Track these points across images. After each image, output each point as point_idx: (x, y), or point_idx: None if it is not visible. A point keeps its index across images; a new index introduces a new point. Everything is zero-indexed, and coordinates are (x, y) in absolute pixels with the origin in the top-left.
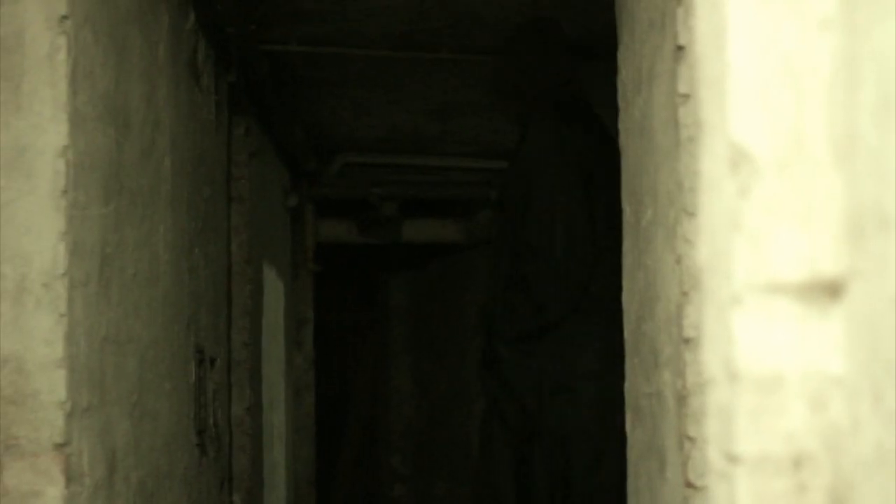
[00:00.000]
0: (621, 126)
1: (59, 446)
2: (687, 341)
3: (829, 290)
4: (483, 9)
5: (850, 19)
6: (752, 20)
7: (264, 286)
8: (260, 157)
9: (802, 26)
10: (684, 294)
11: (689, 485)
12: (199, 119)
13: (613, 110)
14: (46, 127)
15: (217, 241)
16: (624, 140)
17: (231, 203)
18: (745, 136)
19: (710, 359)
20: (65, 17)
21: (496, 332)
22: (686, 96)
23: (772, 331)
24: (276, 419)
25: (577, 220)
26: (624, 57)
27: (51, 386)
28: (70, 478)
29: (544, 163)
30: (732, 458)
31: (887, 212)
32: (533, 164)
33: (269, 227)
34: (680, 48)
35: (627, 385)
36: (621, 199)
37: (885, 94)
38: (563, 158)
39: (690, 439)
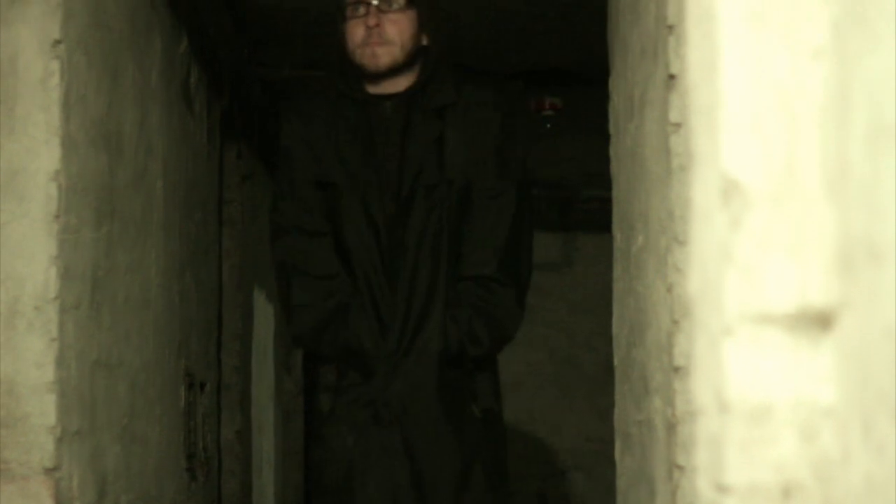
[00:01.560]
0: (613, 153)
1: (50, 470)
2: (677, 370)
3: (820, 322)
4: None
5: (843, 49)
6: (744, 50)
7: (255, 310)
8: (252, 180)
9: (795, 56)
10: (675, 322)
11: None
12: (192, 143)
13: (605, 137)
14: (39, 151)
15: (208, 264)
16: (615, 167)
17: (222, 227)
18: (737, 167)
19: (700, 388)
20: (58, 42)
21: None
22: (678, 125)
23: (762, 361)
24: (266, 444)
25: None
26: (616, 84)
27: (41, 409)
28: (60, 502)
29: None
30: (722, 488)
31: (878, 243)
32: None
33: (261, 250)
34: (672, 77)
35: (617, 412)
36: (612, 225)
37: (877, 124)
38: None
39: (680, 468)
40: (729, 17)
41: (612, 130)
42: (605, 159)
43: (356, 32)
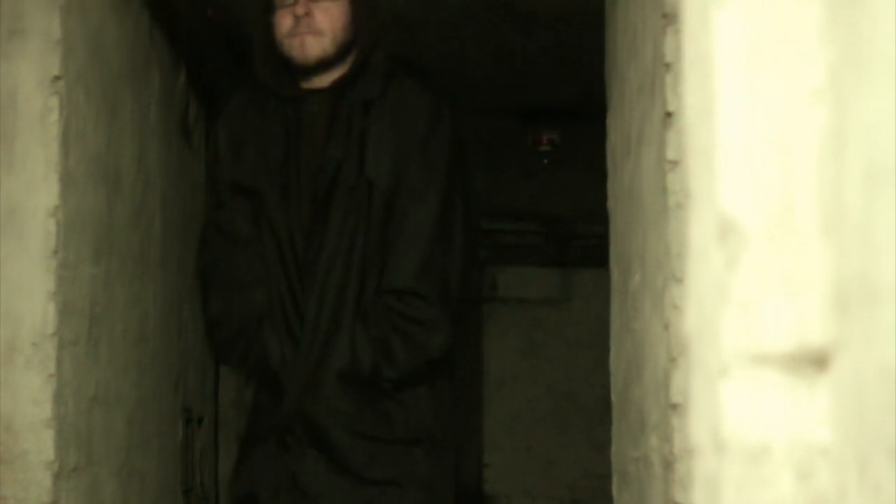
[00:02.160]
0: (610, 190)
1: None
2: (674, 407)
3: (817, 361)
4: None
5: (840, 91)
6: (741, 90)
7: None
8: None
9: (792, 97)
10: (672, 360)
11: None
12: (190, 178)
13: (602, 173)
14: (38, 187)
15: None
16: (612, 204)
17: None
18: (734, 206)
19: (697, 426)
20: (57, 78)
21: None
22: (675, 163)
23: (759, 401)
24: None
25: None
26: (613, 121)
27: (39, 446)
28: None
29: None
30: None
31: (874, 284)
32: None
33: None
34: (669, 114)
35: (614, 449)
36: (609, 262)
37: (873, 166)
38: None
39: None
40: (726, 57)
41: (609, 167)
42: (602, 195)
43: (284, 22)
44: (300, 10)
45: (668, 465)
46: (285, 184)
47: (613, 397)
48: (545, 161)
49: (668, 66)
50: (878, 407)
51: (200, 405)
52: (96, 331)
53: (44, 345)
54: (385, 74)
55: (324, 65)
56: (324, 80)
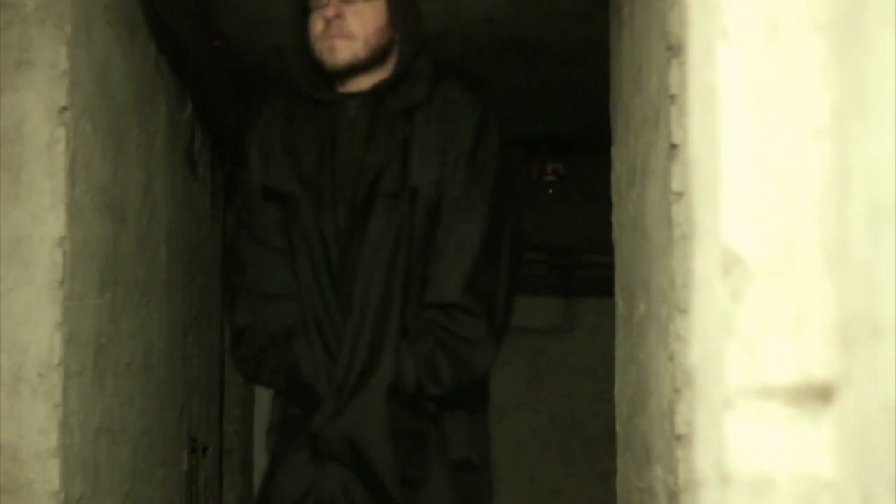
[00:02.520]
0: (615, 220)
1: None
2: (679, 438)
3: (821, 395)
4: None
5: (843, 131)
6: (745, 124)
7: None
8: None
9: (795, 136)
10: (677, 391)
11: None
12: (195, 208)
13: (607, 202)
14: (44, 217)
15: (211, 328)
16: (617, 235)
17: (225, 290)
18: (738, 241)
19: (702, 458)
20: (64, 109)
21: None
22: (679, 194)
23: (763, 434)
24: None
25: None
26: (618, 152)
27: (45, 476)
28: None
29: None
30: None
31: (878, 319)
32: None
33: None
34: (674, 146)
35: (619, 479)
36: (614, 293)
37: (876, 204)
38: None
39: None
40: (731, 91)
41: (614, 198)
42: (606, 225)
43: (317, 25)
44: (330, 12)
45: (673, 496)
46: (320, 190)
47: (618, 428)
48: (550, 191)
49: (672, 98)
50: (881, 441)
51: (205, 434)
52: (102, 361)
53: (50, 375)
54: (430, 79)
55: (355, 69)
56: (362, 84)
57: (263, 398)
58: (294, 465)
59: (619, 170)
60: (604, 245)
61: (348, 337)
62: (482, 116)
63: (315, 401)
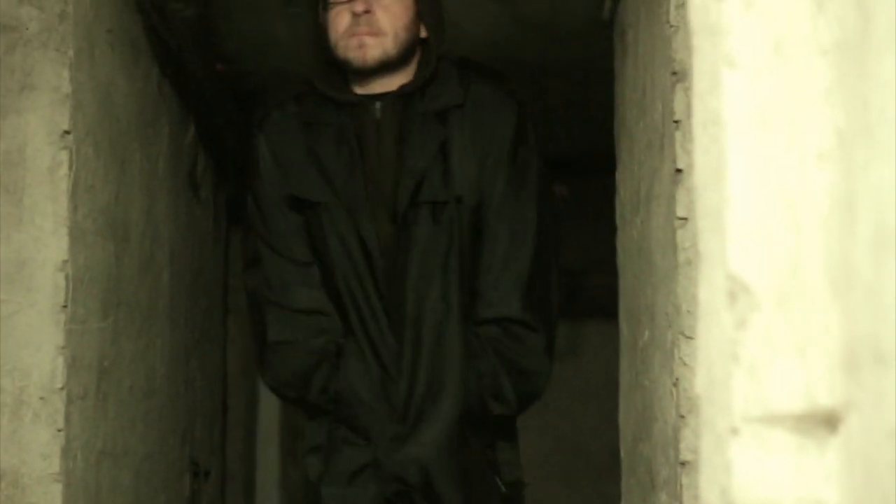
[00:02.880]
0: (619, 245)
1: None
2: (684, 464)
3: (826, 422)
4: None
5: (848, 155)
6: (751, 150)
7: (259, 398)
8: None
9: (800, 160)
10: (681, 417)
11: None
12: (198, 230)
13: (611, 224)
14: (47, 241)
15: (213, 351)
16: (622, 259)
17: (227, 313)
18: (744, 267)
19: (707, 485)
20: (67, 132)
21: None
22: (684, 220)
23: (769, 461)
24: None
25: None
26: (622, 177)
27: (47, 500)
28: None
29: None
30: None
31: (883, 346)
32: None
33: None
34: (678, 171)
35: None
36: (618, 317)
37: (882, 230)
38: None
39: None
40: (736, 117)
41: (618, 223)
42: (610, 246)
43: (340, 21)
44: (359, 6)
45: None
46: (354, 197)
47: (623, 453)
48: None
49: (677, 123)
50: (886, 469)
51: (207, 458)
52: (104, 385)
53: (52, 399)
54: (459, 79)
55: (385, 68)
56: (385, 85)
57: (265, 422)
58: (346, 497)
59: (623, 194)
60: (608, 267)
61: (407, 356)
62: (519, 116)
63: (374, 423)
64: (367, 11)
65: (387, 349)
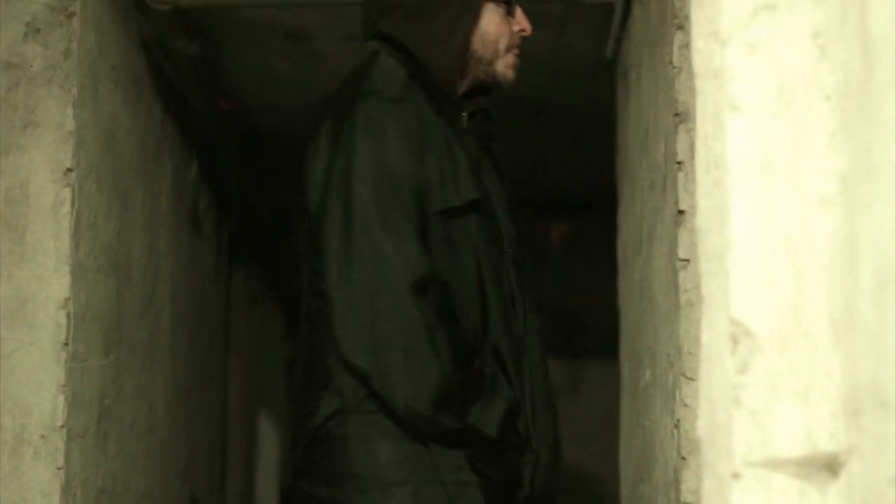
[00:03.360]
0: (621, 285)
1: None
2: None
3: (828, 467)
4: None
5: (851, 199)
6: (753, 194)
7: (259, 435)
8: (258, 304)
9: (803, 204)
10: (683, 459)
11: None
12: (200, 267)
13: (612, 263)
14: (49, 279)
15: (214, 388)
16: (623, 299)
17: (228, 351)
18: (746, 310)
19: None
20: (70, 170)
21: None
22: (686, 261)
23: None
24: None
25: None
26: (624, 217)
27: None
28: None
29: None
30: None
31: (885, 391)
32: None
33: (267, 374)
34: (681, 212)
35: None
36: (619, 357)
37: (884, 274)
38: None
39: None
40: (739, 163)
41: (620, 263)
42: (611, 285)
43: (507, 33)
44: (529, 26)
45: None
46: (490, 204)
47: (623, 493)
48: (555, 251)
49: (679, 164)
50: None
51: (207, 496)
52: (105, 423)
53: (52, 437)
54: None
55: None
56: (471, 103)
57: (265, 459)
58: None
59: (624, 234)
60: (609, 305)
61: (539, 378)
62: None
63: (522, 453)
64: (532, 33)
65: (517, 373)
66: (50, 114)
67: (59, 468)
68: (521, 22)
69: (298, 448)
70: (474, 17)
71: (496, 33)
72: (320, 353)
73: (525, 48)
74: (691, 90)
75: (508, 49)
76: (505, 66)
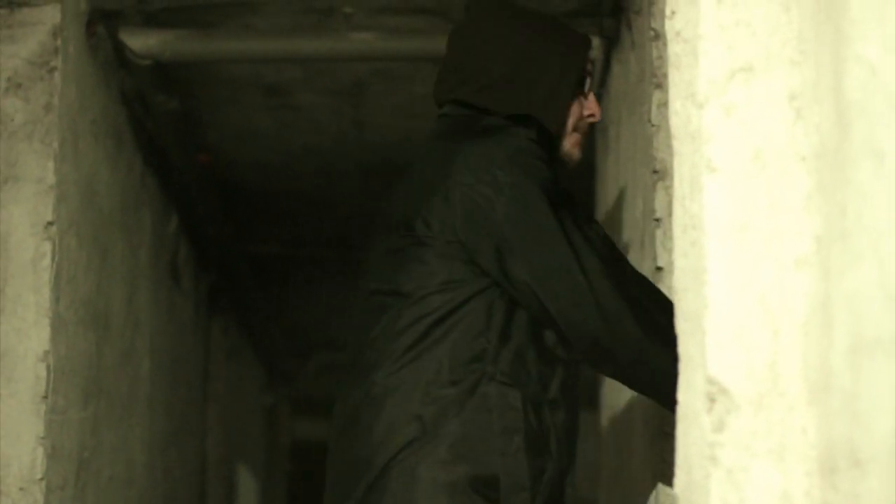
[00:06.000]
0: None
1: None
2: None
3: None
4: None
5: (825, 262)
6: (730, 254)
7: (238, 485)
8: (237, 355)
9: (778, 266)
10: None
11: None
12: (179, 320)
13: None
14: (29, 332)
15: (192, 439)
16: None
17: (207, 402)
18: (723, 370)
19: None
20: (50, 224)
21: None
22: None
23: None
24: None
25: None
26: None
27: None
28: None
29: None
30: None
31: (859, 450)
32: None
33: (245, 425)
34: (659, 269)
35: None
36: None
37: (858, 337)
38: None
39: None
40: (715, 224)
41: None
42: None
43: (578, 114)
44: (599, 111)
45: None
46: None
47: None
48: None
49: (658, 221)
50: None
51: None
52: (84, 475)
53: (31, 489)
54: None
55: None
56: None
57: None
58: None
59: None
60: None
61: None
62: None
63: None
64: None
65: None
66: (30, 168)
67: None
68: (591, 107)
69: None
70: (575, 82)
71: (580, 117)
72: None
73: None
74: (669, 149)
75: (576, 129)
76: (572, 145)
